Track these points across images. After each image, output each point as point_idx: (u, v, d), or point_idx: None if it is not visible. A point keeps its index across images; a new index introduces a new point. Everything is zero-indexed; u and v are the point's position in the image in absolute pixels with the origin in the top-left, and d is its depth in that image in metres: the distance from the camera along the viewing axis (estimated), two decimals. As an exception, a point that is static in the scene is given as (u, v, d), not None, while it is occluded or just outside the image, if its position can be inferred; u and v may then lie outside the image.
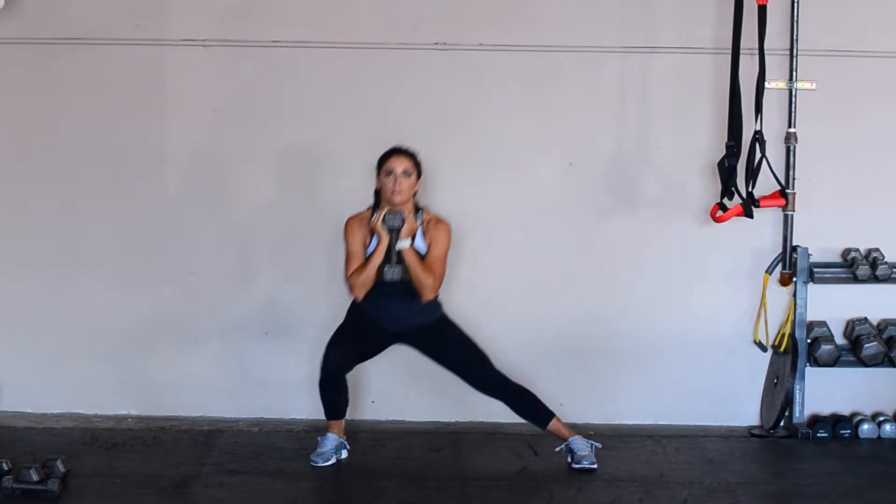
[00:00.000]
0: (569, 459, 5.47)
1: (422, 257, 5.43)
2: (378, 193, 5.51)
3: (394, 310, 5.45)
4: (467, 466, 5.54)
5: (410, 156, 5.48)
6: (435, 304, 5.51)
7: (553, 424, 5.51)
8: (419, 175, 5.49)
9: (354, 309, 5.54)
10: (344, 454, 5.54)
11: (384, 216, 5.36)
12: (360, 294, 5.42)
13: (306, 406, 6.11)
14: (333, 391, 5.50)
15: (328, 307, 6.12)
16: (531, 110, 6.09)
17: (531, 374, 5.95)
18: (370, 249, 5.43)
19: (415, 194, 5.49)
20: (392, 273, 5.38)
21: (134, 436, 5.85)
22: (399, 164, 5.41)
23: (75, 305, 6.14)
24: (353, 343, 5.49)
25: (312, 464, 5.43)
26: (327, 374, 5.44)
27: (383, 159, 5.46)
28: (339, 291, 6.10)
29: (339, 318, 6.09)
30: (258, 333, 6.17)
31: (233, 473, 5.36)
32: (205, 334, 6.17)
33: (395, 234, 5.37)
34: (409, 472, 5.45)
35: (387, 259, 5.38)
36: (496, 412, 6.05)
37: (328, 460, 5.45)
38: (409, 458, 5.63)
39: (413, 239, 5.40)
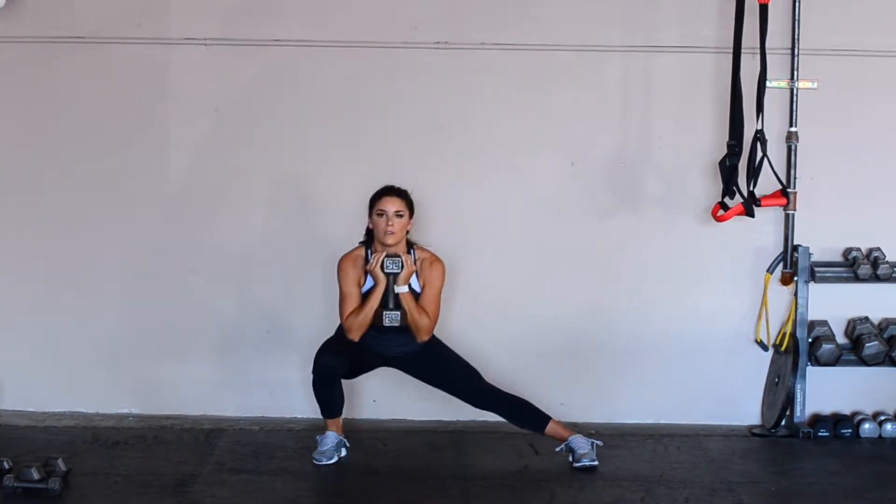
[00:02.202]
0: (570, 459, 5.47)
1: (416, 296, 5.43)
2: (370, 231, 5.50)
3: (385, 343, 5.48)
4: (468, 465, 5.54)
5: (402, 195, 5.45)
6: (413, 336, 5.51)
7: (550, 427, 5.51)
8: (411, 214, 5.47)
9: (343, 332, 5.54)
10: (343, 452, 5.54)
11: (382, 261, 5.35)
12: (357, 336, 5.42)
13: (307, 405, 6.10)
14: (327, 390, 5.48)
15: (329, 307, 6.12)
16: (533, 109, 6.10)
17: (532, 373, 5.96)
18: (364, 288, 5.43)
19: (407, 233, 5.48)
20: (391, 319, 5.37)
21: (135, 434, 5.85)
22: (391, 205, 5.40)
23: (77, 304, 6.15)
24: (346, 350, 5.48)
25: (315, 462, 5.44)
26: (319, 373, 5.44)
27: (375, 199, 5.44)
28: (336, 291, 6.11)
29: (338, 318, 6.10)
30: (259, 333, 6.17)
31: (234, 472, 5.36)
32: (206, 333, 6.18)
33: (392, 278, 5.36)
34: (410, 471, 5.45)
35: (383, 303, 5.38)
36: (497, 411, 6.07)
37: (330, 458, 5.45)
38: (411, 457, 5.63)
39: (408, 283, 5.41)
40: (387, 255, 5.37)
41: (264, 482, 5.23)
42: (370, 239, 5.50)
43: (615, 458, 5.56)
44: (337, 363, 5.44)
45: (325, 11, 6.09)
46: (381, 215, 5.40)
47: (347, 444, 5.56)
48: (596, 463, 5.41)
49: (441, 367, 5.53)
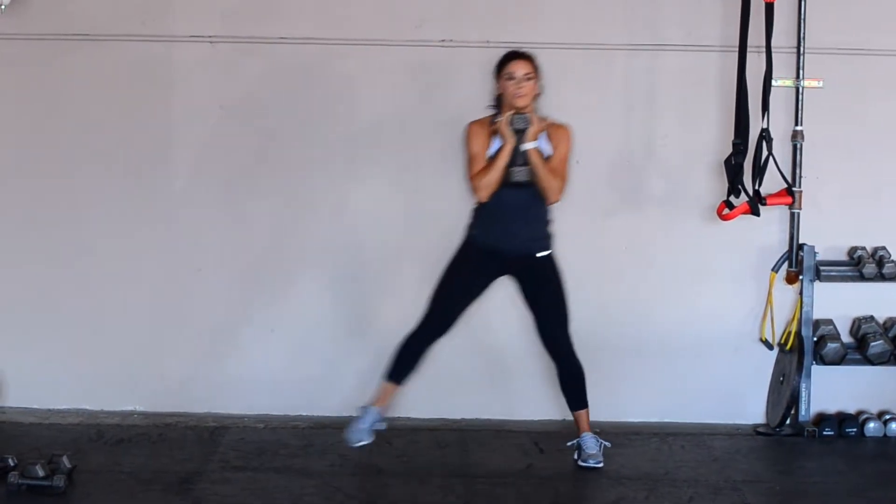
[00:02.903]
0: (575, 456, 5.47)
1: (545, 160, 5.42)
2: (497, 99, 5.49)
3: (513, 226, 5.41)
4: (473, 463, 5.54)
5: (530, 59, 5.44)
6: (549, 235, 5.50)
7: (582, 413, 5.53)
8: (539, 78, 5.46)
9: (468, 241, 5.48)
10: (382, 426, 5.52)
11: (511, 117, 5.35)
12: (485, 194, 5.37)
13: (312, 403, 6.13)
14: (416, 352, 5.47)
15: (333, 305, 6.13)
16: (537, 108, 6.09)
17: (536, 371, 5.95)
18: (491, 152, 5.41)
19: (535, 98, 5.46)
20: (519, 174, 5.35)
21: (140, 432, 5.86)
22: (520, 68, 5.39)
23: (81, 302, 6.15)
24: (459, 295, 5.46)
25: (348, 442, 5.42)
26: (425, 330, 5.45)
27: (502, 64, 5.43)
28: (343, 289, 6.12)
29: (343, 317, 6.11)
30: (264, 331, 6.17)
31: (238, 470, 5.36)
32: (211, 331, 6.18)
33: (520, 135, 5.35)
34: (414, 468, 5.45)
35: (512, 161, 5.37)
36: (502, 409, 6.07)
37: (362, 439, 5.45)
38: (415, 455, 5.63)
39: (537, 141, 5.39)
40: (515, 113, 5.36)
41: (268, 480, 5.23)
42: (498, 108, 5.48)
43: (619, 457, 5.56)
44: (446, 325, 5.45)
45: (330, 9, 6.09)
46: (510, 79, 5.39)
47: (384, 426, 5.53)
48: (601, 465, 5.41)
49: (549, 287, 5.48)
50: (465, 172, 5.47)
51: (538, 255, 5.46)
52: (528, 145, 5.36)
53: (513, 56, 5.43)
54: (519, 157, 5.37)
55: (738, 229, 6.03)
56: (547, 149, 5.43)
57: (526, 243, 5.45)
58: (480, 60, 6.03)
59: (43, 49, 6.06)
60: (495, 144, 5.40)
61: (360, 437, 5.45)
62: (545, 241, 5.49)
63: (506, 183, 5.37)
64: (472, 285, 5.50)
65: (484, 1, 6.09)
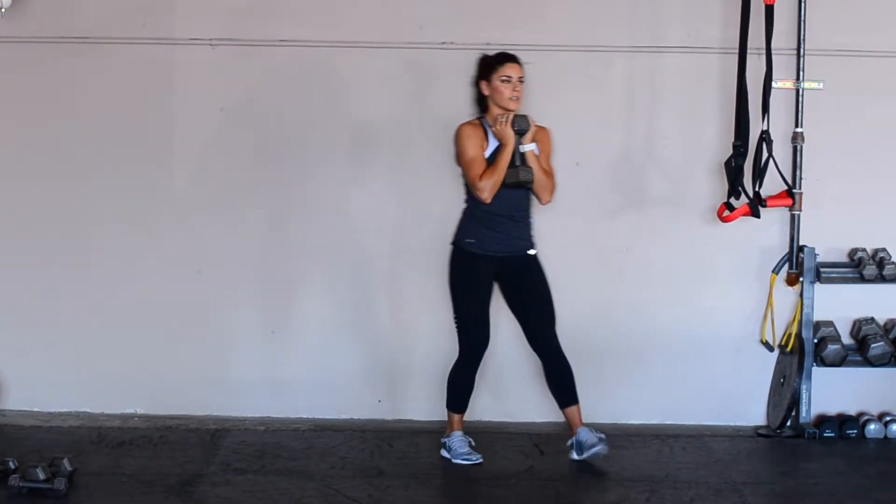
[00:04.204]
0: (575, 455, 5.46)
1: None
2: (481, 101, 5.50)
3: (510, 227, 5.44)
4: (474, 466, 5.53)
5: (520, 63, 5.48)
6: (532, 234, 5.54)
7: (572, 409, 5.52)
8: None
9: (465, 252, 5.48)
10: (472, 442, 5.59)
11: (514, 119, 5.37)
12: (490, 196, 5.38)
13: (312, 405, 6.13)
14: (467, 378, 5.55)
15: (333, 307, 6.13)
16: (538, 109, 6.07)
17: (536, 374, 5.94)
18: (488, 153, 5.43)
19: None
20: (525, 173, 5.37)
21: (140, 434, 5.86)
22: (515, 71, 5.44)
23: (82, 304, 6.15)
24: (481, 306, 5.50)
25: (465, 462, 5.48)
26: (472, 352, 5.51)
27: (496, 65, 5.44)
28: (343, 291, 6.12)
29: (343, 319, 6.11)
30: (265, 332, 6.17)
31: (239, 472, 5.36)
32: (212, 333, 6.18)
33: (520, 137, 5.39)
34: (415, 471, 5.44)
35: (511, 163, 5.38)
36: (502, 412, 6.07)
37: (478, 457, 5.50)
38: (416, 458, 5.63)
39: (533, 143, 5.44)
40: (515, 115, 5.39)
41: (269, 482, 5.23)
42: (482, 108, 5.52)
43: (620, 459, 5.56)
44: (486, 335, 5.52)
45: (330, 11, 6.09)
46: (506, 81, 5.42)
47: (473, 443, 5.59)
48: (606, 451, 5.40)
49: (537, 287, 5.53)
50: (465, 175, 5.47)
51: (529, 252, 5.52)
52: (526, 147, 5.39)
53: (508, 58, 5.45)
54: (517, 159, 5.39)
55: (738, 231, 6.03)
56: (536, 150, 5.47)
57: (519, 242, 5.50)
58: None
59: (44, 52, 6.06)
60: (491, 146, 5.41)
61: (476, 456, 5.51)
62: (532, 239, 5.56)
63: (506, 184, 5.39)
64: (485, 293, 5.53)
65: (485, 3, 6.09)
